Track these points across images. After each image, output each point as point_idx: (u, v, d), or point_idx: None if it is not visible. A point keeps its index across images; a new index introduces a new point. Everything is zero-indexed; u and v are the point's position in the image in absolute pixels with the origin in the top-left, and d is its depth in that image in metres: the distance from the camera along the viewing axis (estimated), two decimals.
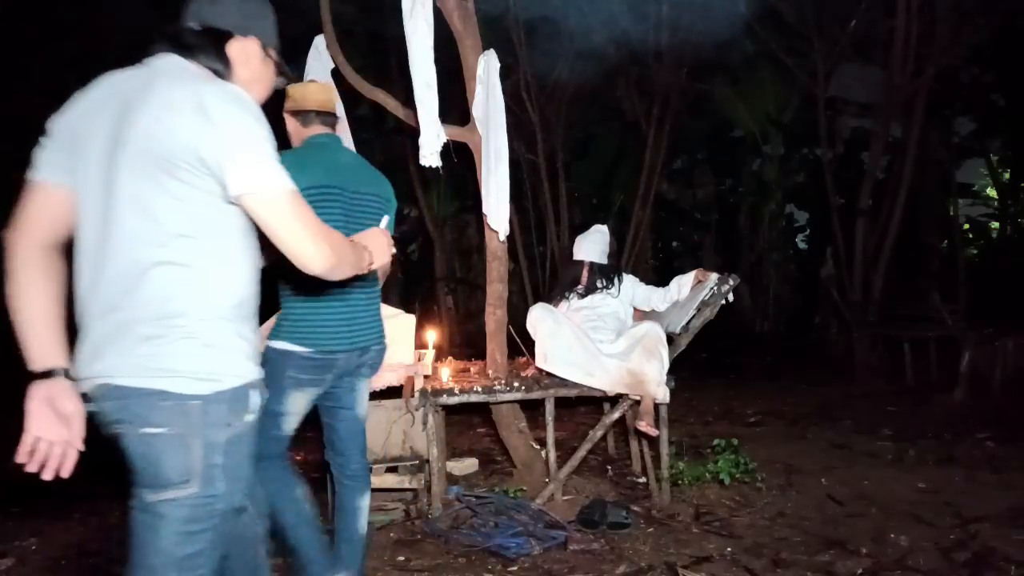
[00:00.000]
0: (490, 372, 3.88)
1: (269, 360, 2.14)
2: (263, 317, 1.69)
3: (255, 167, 1.32)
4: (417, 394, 3.56)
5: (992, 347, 6.04)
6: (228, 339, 1.39)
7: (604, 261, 4.03)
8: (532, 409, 4.11)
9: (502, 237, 3.68)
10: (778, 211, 11.04)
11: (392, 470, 3.54)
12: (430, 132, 3.34)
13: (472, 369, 4.18)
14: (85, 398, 1.38)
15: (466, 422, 5.45)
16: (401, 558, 3.06)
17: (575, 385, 3.60)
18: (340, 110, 3.61)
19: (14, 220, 1.40)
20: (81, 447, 1.40)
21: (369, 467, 2.54)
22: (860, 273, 7.70)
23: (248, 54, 1.53)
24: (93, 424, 1.43)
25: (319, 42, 3.78)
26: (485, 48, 3.65)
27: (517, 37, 7.62)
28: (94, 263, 1.36)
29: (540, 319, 3.67)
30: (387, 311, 3.67)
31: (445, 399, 3.52)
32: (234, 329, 1.40)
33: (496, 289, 3.81)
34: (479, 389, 3.58)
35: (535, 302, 4.19)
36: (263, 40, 1.56)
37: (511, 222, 4.21)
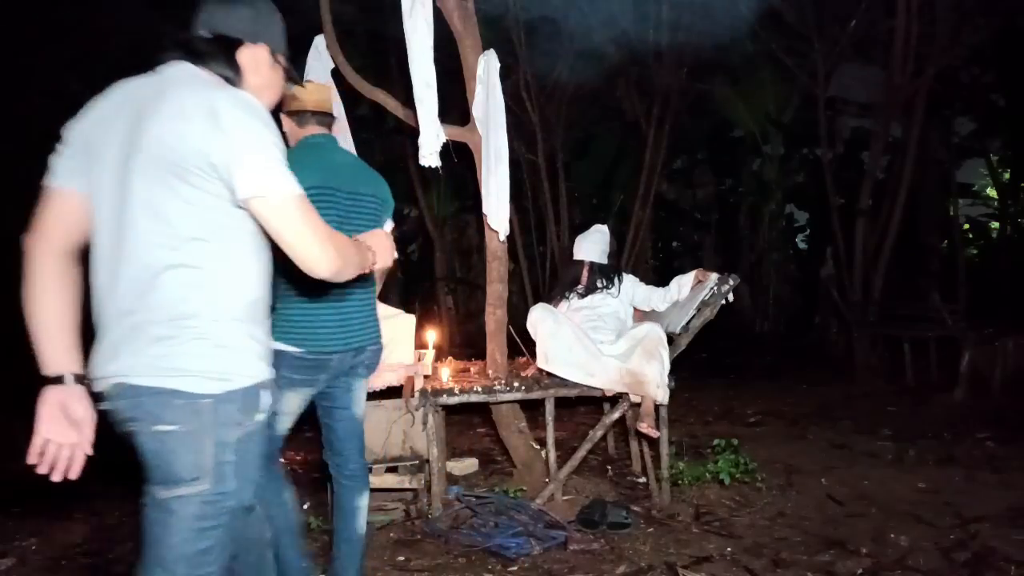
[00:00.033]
0: (490, 372, 3.88)
1: None
2: None
3: (263, 172, 1.34)
4: (417, 394, 3.56)
5: (992, 347, 6.04)
6: (239, 340, 1.42)
7: (604, 261, 4.03)
8: (532, 409, 4.11)
9: (502, 237, 3.68)
10: (778, 211, 11.04)
11: (392, 470, 3.54)
12: (430, 132, 3.34)
13: (472, 369, 4.18)
14: (100, 397, 1.40)
15: (466, 422, 5.45)
16: (401, 558, 3.06)
17: (575, 385, 3.61)
18: (340, 110, 3.62)
19: (32, 226, 1.44)
20: (90, 451, 1.44)
21: (368, 467, 2.54)
22: (860, 273, 7.70)
23: (258, 61, 1.56)
24: (98, 426, 1.45)
25: (319, 42, 3.78)
26: (485, 48, 3.65)
27: (517, 37, 7.62)
28: (109, 267, 1.39)
29: (541, 319, 3.68)
30: (387, 311, 3.68)
31: (445, 399, 3.52)
32: (246, 330, 1.43)
33: (496, 289, 3.81)
34: (479, 389, 3.58)
35: (535, 302, 4.20)
36: (272, 46, 1.59)
37: (511, 222, 4.21)
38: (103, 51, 7.86)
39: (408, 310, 4.02)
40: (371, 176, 2.47)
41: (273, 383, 1.52)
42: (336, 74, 3.79)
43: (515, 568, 2.93)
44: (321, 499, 3.46)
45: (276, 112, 1.54)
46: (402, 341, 3.74)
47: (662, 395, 3.43)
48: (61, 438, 1.41)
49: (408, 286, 10.54)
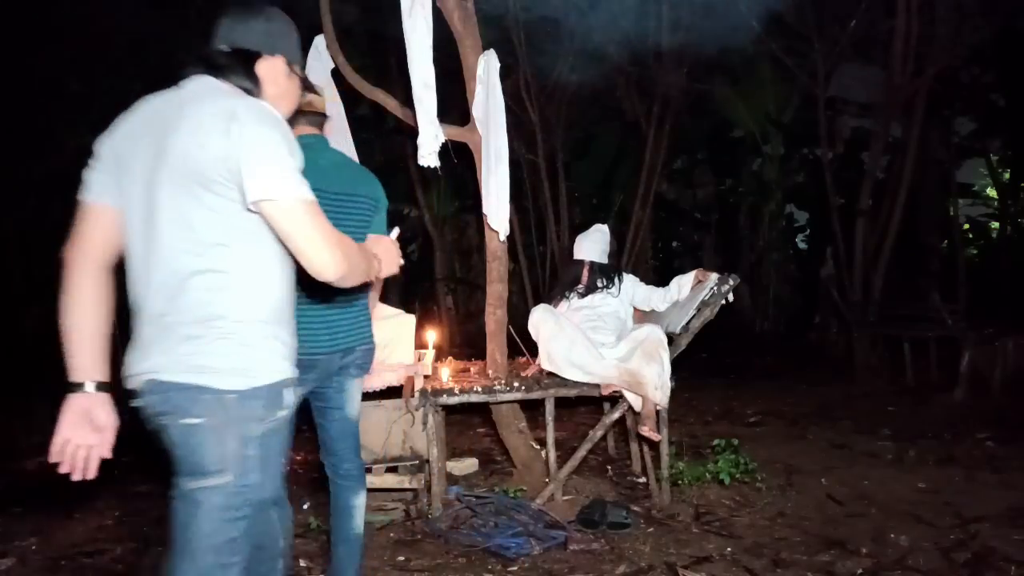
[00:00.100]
0: (490, 372, 3.88)
1: None
2: None
3: (274, 176, 1.39)
4: (417, 394, 3.56)
5: (992, 347, 6.04)
6: (263, 339, 1.48)
7: (604, 260, 4.03)
8: (532, 409, 4.11)
9: (502, 237, 3.68)
10: (778, 211, 11.04)
11: (392, 470, 3.54)
12: (428, 132, 3.34)
13: (472, 369, 4.18)
14: (133, 395, 1.47)
15: (466, 422, 5.45)
16: (401, 558, 3.06)
17: (575, 385, 3.61)
18: (340, 110, 3.62)
19: (70, 239, 1.52)
20: (109, 454, 1.51)
21: (363, 467, 2.53)
22: (860, 273, 7.70)
23: (275, 71, 1.63)
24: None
25: (319, 42, 3.78)
26: (485, 48, 3.65)
27: (517, 37, 7.62)
28: (143, 275, 1.47)
29: (542, 320, 3.68)
30: (387, 311, 3.69)
31: (445, 399, 3.52)
32: (270, 331, 1.49)
33: (496, 289, 3.81)
34: (479, 389, 3.58)
35: (535, 302, 4.20)
36: (288, 57, 1.66)
37: (511, 222, 4.22)
38: (103, 51, 7.86)
39: (408, 310, 4.03)
40: (363, 176, 2.45)
41: (296, 382, 1.57)
42: (336, 74, 3.80)
43: (515, 568, 2.93)
44: (321, 499, 3.46)
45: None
46: (402, 341, 3.75)
47: (660, 396, 3.42)
48: (80, 439, 1.47)
49: (408, 286, 10.53)
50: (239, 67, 1.56)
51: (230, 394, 1.43)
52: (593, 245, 4.04)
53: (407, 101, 3.53)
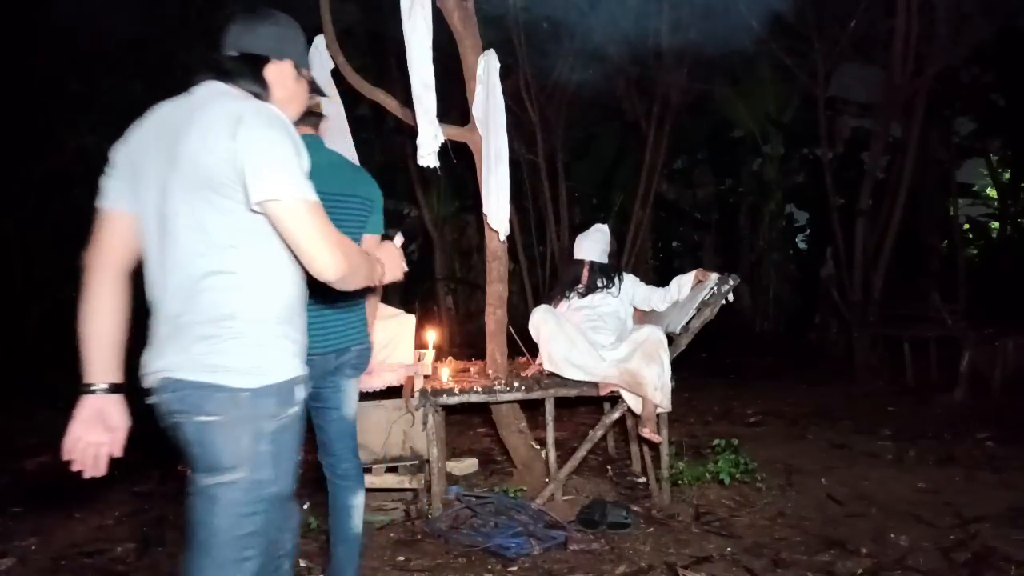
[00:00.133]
0: (490, 372, 3.88)
1: None
2: None
3: (276, 177, 1.41)
4: (417, 394, 3.56)
5: (992, 347, 6.04)
6: (275, 338, 1.51)
7: (605, 260, 4.03)
8: (532, 409, 4.11)
9: (502, 237, 3.68)
10: (778, 211, 11.04)
11: (392, 470, 3.54)
12: (428, 132, 3.34)
13: (472, 369, 4.18)
14: (149, 393, 1.52)
15: (466, 422, 5.45)
16: (401, 558, 3.06)
17: (575, 385, 3.61)
18: (340, 110, 3.62)
19: (89, 245, 1.56)
20: (119, 453, 1.55)
21: (361, 466, 2.53)
22: (860, 273, 7.70)
23: (283, 75, 1.66)
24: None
25: (319, 42, 3.78)
26: (485, 48, 3.65)
27: (517, 37, 7.62)
28: (158, 277, 1.51)
29: (543, 321, 3.68)
30: (387, 311, 3.69)
31: (445, 399, 3.52)
32: (281, 330, 1.53)
33: (496, 289, 3.81)
34: (479, 389, 3.58)
35: (535, 302, 4.20)
36: (296, 61, 1.68)
37: (511, 222, 4.21)
38: (103, 51, 7.86)
39: (408, 310, 4.03)
40: (357, 176, 2.44)
41: (307, 379, 1.61)
42: (336, 74, 3.80)
43: (515, 568, 2.93)
44: (320, 499, 3.45)
45: None
46: (402, 341, 3.75)
47: (659, 397, 3.42)
48: (91, 438, 1.51)
49: (408, 286, 10.53)
50: (248, 72, 1.59)
51: (243, 392, 1.46)
52: (593, 245, 4.04)
53: (407, 101, 3.53)
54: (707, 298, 3.56)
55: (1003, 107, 10.36)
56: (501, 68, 3.60)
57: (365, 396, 3.50)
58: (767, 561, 2.92)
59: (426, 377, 3.76)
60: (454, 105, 4.35)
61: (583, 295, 3.99)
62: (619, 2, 7.47)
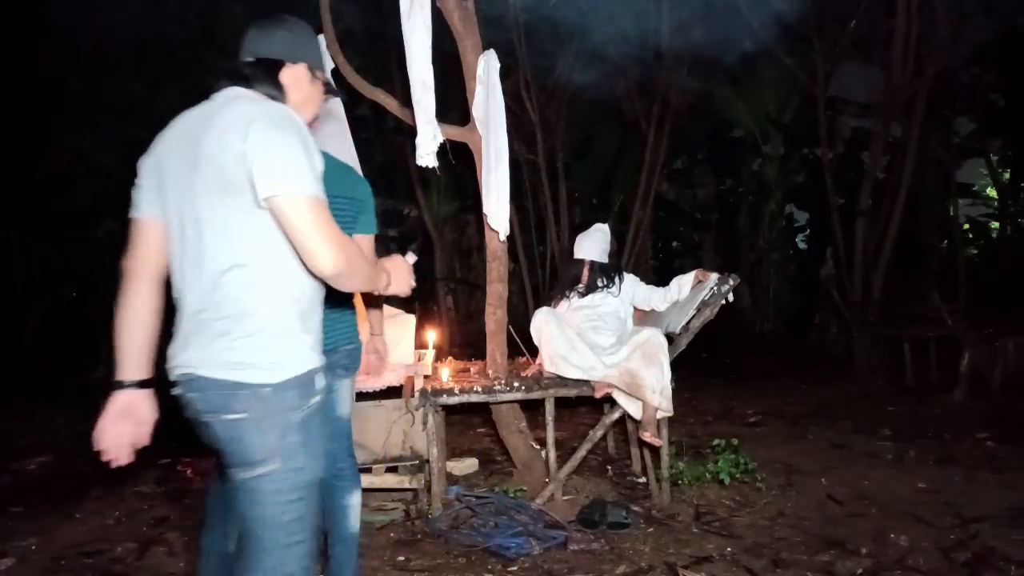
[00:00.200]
0: (490, 372, 3.88)
1: None
2: None
3: (281, 173, 1.45)
4: (417, 394, 3.56)
5: (992, 347, 6.04)
6: (291, 333, 1.56)
7: (605, 260, 4.03)
8: (532, 409, 4.11)
9: (502, 237, 3.68)
10: (778, 211, 11.03)
11: (392, 470, 3.54)
12: (427, 132, 3.34)
13: (472, 369, 4.19)
14: (174, 384, 1.58)
15: (466, 422, 5.45)
16: (401, 558, 3.06)
17: (575, 385, 3.61)
18: (340, 110, 3.62)
19: (127, 252, 1.65)
20: (147, 442, 1.65)
21: (357, 466, 2.52)
22: (860, 273, 7.70)
23: (298, 78, 1.73)
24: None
25: (319, 42, 3.78)
26: (485, 48, 3.65)
27: (517, 37, 7.62)
28: (181, 275, 1.58)
29: (545, 323, 3.68)
30: (387, 311, 3.68)
31: (445, 399, 3.52)
32: (298, 325, 1.57)
33: (496, 289, 3.81)
34: (479, 389, 3.58)
35: (535, 302, 4.21)
36: (310, 64, 1.75)
37: (511, 222, 4.21)
38: (103, 51, 7.87)
39: (408, 310, 4.03)
40: (347, 177, 2.41)
41: (325, 368, 1.66)
42: (336, 74, 3.80)
43: (515, 568, 2.93)
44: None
45: None
46: (402, 341, 3.75)
47: (658, 400, 3.41)
48: (122, 430, 1.61)
49: None
50: (264, 76, 1.66)
51: (265, 387, 1.51)
52: (594, 244, 4.04)
53: (407, 101, 3.53)
54: (707, 298, 3.56)
55: (1003, 107, 10.35)
56: (501, 68, 3.60)
57: (365, 396, 3.51)
58: (767, 561, 2.92)
59: (426, 377, 3.76)
60: (454, 105, 4.35)
61: (583, 295, 3.99)
62: (619, 2, 7.47)
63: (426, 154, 3.36)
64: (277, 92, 1.66)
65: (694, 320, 3.55)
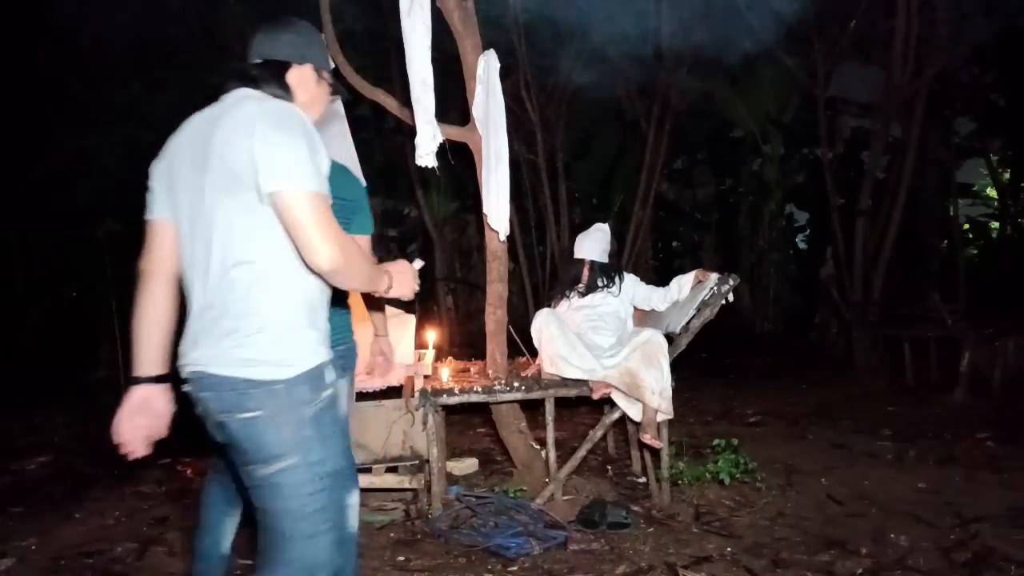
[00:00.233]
0: (490, 372, 3.88)
1: None
2: None
3: (282, 171, 1.47)
4: (417, 394, 3.56)
5: (992, 347, 6.04)
6: (299, 329, 1.58)
7: (605, 260, 4.03)
8: (532, 409, 4.11)
9: (502, 237, 3.68)
10: (778, 211, 11.03)
11: (392, 470, 3.54)
12: (426, 132, 3.34)
13: (472, 369, 4.19)
14: (185, 381, 1.62)
15: (466, 422, 5.45)
16: (401, 558, 3.06)
17: (575, 385, 3.61)
18: (340, 110, 3.62)
19: (143, 254, 1.69)
20: (165, 433, 1.70)
21: (355, 466, 2.52)
22: (860, 273, 7.70)
23: (304, 79, 1.77)
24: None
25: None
26: (485, 48, 3.65)
27: (517, 37, 7.62)
28: (193, 272, 1.60)
29: (546, 323, 3.68)
30: (388, 311, 3.68)
31: (445, 399, 3.52)
32: (306, 320, 1.59)
33: (496, 289, 3.81)
34: (479, 389, 3.58)
35: (535, 302, 4.21)
36: (316, 65, 1.80)
37: (511, 222, 4.22)
38: (103, 51, 7.87)
39: (408, 310, 4.02)
40: (341, 178, 2.36)
41: (333, 361, 1.68)
42: (336, 74, 3.79)
43: (515, 568, 2.93)
44: None
45: None
46: (402, 341, 3.75)
47: (658, 402, 3.41)
48: (139, 423, 1.65)
49: None
50: (271, 77, 1.69)
51: (277, 384, 1.53)
52: (594, 244, 4.03)
53: (407, 101, 3.53)
54: (707, 298, 3.55)
55: (1003, 107, 10.35)
56: (501, 68, 3.59)
57: (365, 396, 3.51)
58: (767, 561, 2.92)
59: (426, 377, 3.76)
60: (454, 105, 4.35)
61: (583, 294, 3.99)
62: (619, 2, 7.47)
63: (425, 154, 3.36)
64: (284, 92, 1.69)
65: (694, 320, 3.55)
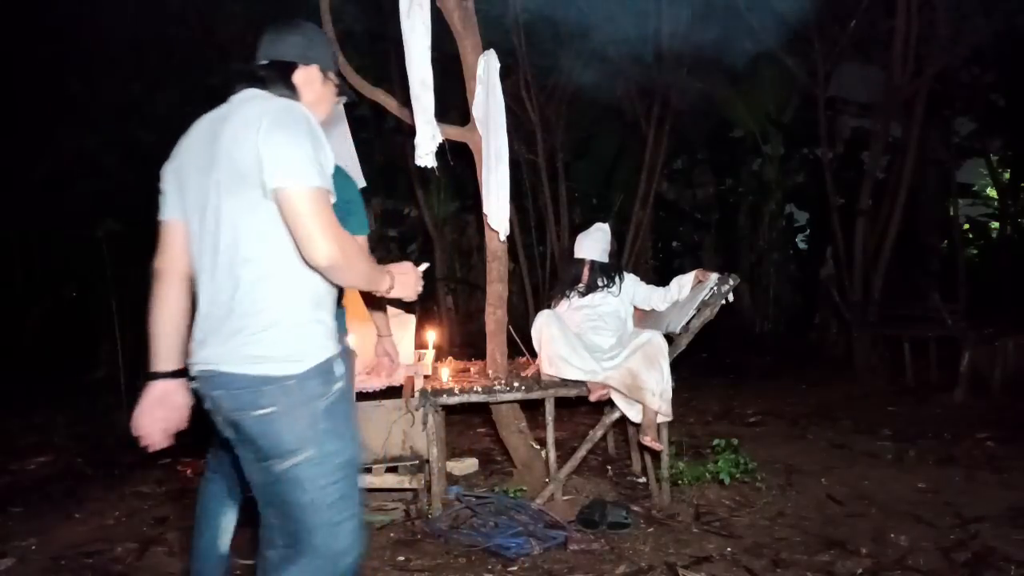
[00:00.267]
0: (490, 372, 3.88)
1: None
2: None
3: (285, 167, 1.49)
4: (417, 394, 3.56)
5: (992, 347, 6.04)
6: (307, 324, 1.60)
7: (605, 259, 4.03)
8: (532, 409, 4.11)
9: (502, 237, 3.68)
10: (778, 211, 11.02)
11: (392, 470, 3.54)
12: (425, 132, 3.34)
13: (472, 369, 4.19)
14: (194, 379, 1.65)
15: (466, 422, 5.45)
16: (401, 558, 3.06)
17: (575, 385, 3.61)
18: (340, 110, 3.62)
19: (157, 253, 1.73)
20: (184, 426, 1.74)
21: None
22: (860, 273, 7.69)
23: (310, 79, 1.79)
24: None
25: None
26: (485, 48, 3.65)
27: (517, 37, 7.62)
28: (202, 271, 1.63)
29: (547, 324, 3.68)
30: (388, 311, 3.69)
31: (445, 399, 3.52)
32: (312, 315, 1.61)
33: (496, 289, 3.81)
34: (479, 389, 3.58)
35: (535, 302, 4.21)
36: (322, 65, 1.82)
37: (511, 222, 4.21)
38: (103, 51, 7.87)
39: (408, 310, 4.02)
40: (336, 179, 2.39)
41: (342, 354, 1.70)
42: (340, 75, 3.79)
43: (515, 568, 2.93)
44: None
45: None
46: (402, 341, 3.75)
47: (657, 403, 3.41)
48: (154, 415, 1.70)
49: None
50: (277, 77, 1.72)
51: (289, 380, 1.55)
52: (594, 244, 4.03)
53: (407, 101, 3.53)
54: (707, 298, 3.55)
55: (1003, 107, 10.35)
56: (501, 68, 3.59)
57: (365, 396, 3.51)
58: (767, 561, 2.92)
59: (426, 377, 3.76)
60: (454, 105, 4.35)
61: (583, 294, 3.99)
62: (619, 2, 7.47)
63: (425, 154, 3.36)
64: (290, 93, 1.71)
65: (694, 320, 3.55)
